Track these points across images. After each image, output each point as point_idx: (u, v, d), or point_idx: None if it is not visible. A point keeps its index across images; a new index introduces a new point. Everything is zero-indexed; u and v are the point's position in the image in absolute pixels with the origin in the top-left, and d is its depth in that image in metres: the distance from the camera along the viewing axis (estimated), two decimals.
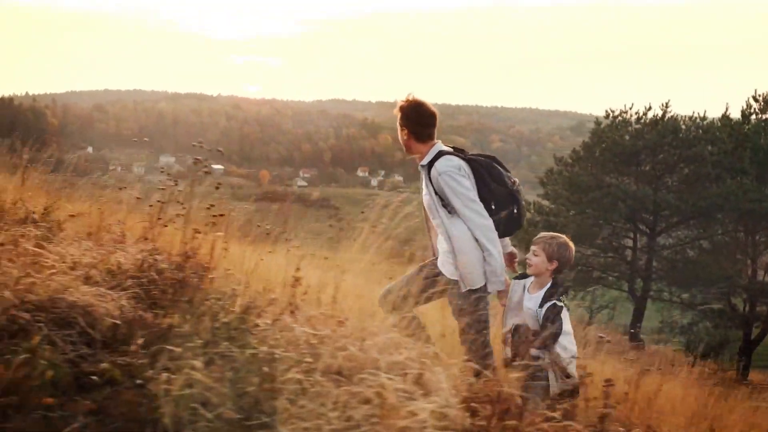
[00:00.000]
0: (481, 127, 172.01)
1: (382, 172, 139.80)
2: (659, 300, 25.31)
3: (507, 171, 4.55)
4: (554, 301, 4.29)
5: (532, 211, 24.05)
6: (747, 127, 24.75)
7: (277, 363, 2.72)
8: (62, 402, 2.66)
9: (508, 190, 4.47)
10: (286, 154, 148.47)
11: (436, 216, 4.45)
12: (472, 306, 4.33)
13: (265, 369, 2.71)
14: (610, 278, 25.71)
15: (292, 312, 3.30)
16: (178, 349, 2.68)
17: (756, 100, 24.73)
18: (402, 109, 4.53)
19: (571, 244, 4.42)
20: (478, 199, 4.32)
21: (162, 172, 4.83)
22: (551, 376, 4.24)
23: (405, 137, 4.53)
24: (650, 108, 25.48)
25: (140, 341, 2.75)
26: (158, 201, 4.39)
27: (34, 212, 5.15)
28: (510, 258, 4.65)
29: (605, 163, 25.18)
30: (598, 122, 26.33)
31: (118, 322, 3.24)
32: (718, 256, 23.89)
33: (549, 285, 4.37)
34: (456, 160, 4.41)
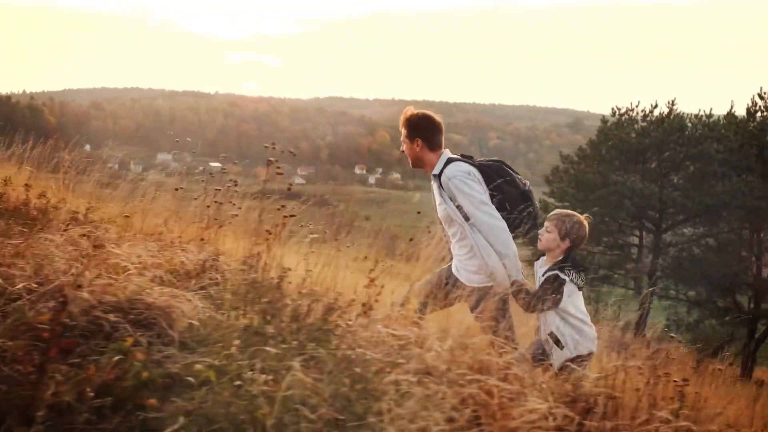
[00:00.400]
0: (478, 124, 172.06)
1: (380, 170, 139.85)
2: (665, 298, 25.34)
3: (516, 173, 4.57)
4: (556, 271, 4.24)
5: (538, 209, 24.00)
6: (752, 124, 24.80)
7: (369, 364, 2.74)
8: (158, 403, 2.68)
9: (520, 190, 4.48)
10: (283, 151, 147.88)
11: (454, 224, 4.46)
12: (498, 305, 4.28)
13: (357, 370, 2.73)
14: (616, 276, 25.73)
15: (366, 313, 3.32)
16: (274, 350, 2.69)
17: (762, 98, 24.77)
18: (411, 120, 4.54)
19: (586, 223, 4.37)
20: (489, 202, 4.32)
21: (224, 171, 4.82)
22: (549, 350, 4.19)
23: (418, 148, 4.52)
24: (656, 106, 25.55)
25: (236, 342, 2.75)
26: (215, 201, 4.39)
27: (77, 212, 5.16)
28: None
29: (611, 161, 25.21)
30: (604, 120, 26.37)
31: (195, 322, 3.25)
32: (723, 253, 23.94)
33: (560, 259, 4.31)
34: (465, 165, 4.43)
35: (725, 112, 25.67)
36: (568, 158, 26.35)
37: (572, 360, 4.05)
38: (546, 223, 4.39)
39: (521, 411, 2.26)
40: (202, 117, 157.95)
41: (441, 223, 4.63)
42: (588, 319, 4.22)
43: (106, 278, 3.50)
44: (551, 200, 25.30)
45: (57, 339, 2.78)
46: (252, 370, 2.61)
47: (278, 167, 3.71)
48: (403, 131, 4.56)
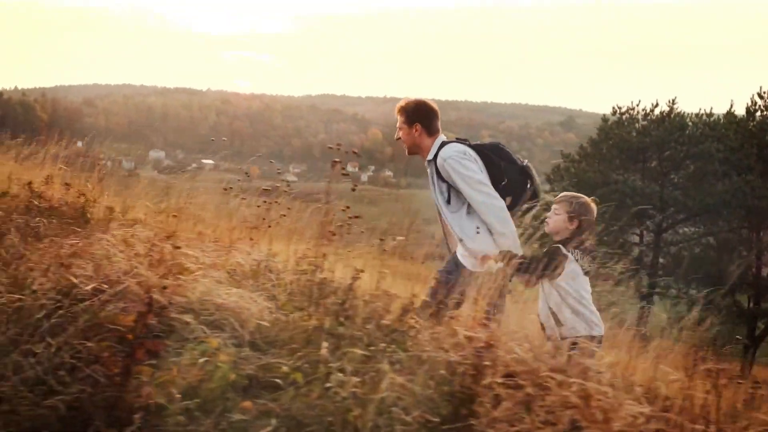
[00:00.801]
0: (470, 122, 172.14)
1: (372, 168, 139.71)
2: (665, 296, 25.41)
3: (513, 153, 4.56)
4: (559, 245, 4.18)
5: (538, 206, 24.03)
6: (752, 123, 24.93)
7: (452, 366, 2.74)
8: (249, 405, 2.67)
9: (519, 166, 4.47)
10: (275, 149, 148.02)
11: (449, 211, 4.44)
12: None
13: (443, 372, 2.73)
14: (616, 274, 25.73)
15: (433, 314, 3.33)
16: (361, 352, 2.69)
17: (761, 97, 24.90)
18: (408, 107, 4.54)
19: (593, 206, 4.32)
20: (486, 182, 4.31)
21: (278, 173, 4.81)
22: (550, 328, 4.15)
23: (417, 134, 4.51)
24: (657, 105, 25.65)
25: (326, 344, 2.75)
26: (265, 201, 4.39)
27: (114, 210, 5.15)
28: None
29: (612, 160, 25.29)
30: (605, 119, 26.44)
31: (265, 323, 3.25)
32: (723, 252, 24.04)
33: (565, 237, 4.23)
34: (460, 146, 4.42)
35: (725, 112, 25.80)
36: (569, 157, 26.42)
37: (574, 343, 4.02)
38: (553, 206, 4.33)
39: (622, 414, 2.26)
40: (194, 114, 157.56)
41: (439, 214, 4.60)
42: (590, 304, 4.17)
43: (173, 279, 3.49)
44: (551, 198, 25.30)
45: (142, 341, 2.78)
46: (341, 372, 2.61)
47: (342, 168, 3.70)
48: (401, 118, 4.55)
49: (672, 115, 25.37)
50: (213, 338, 2.86)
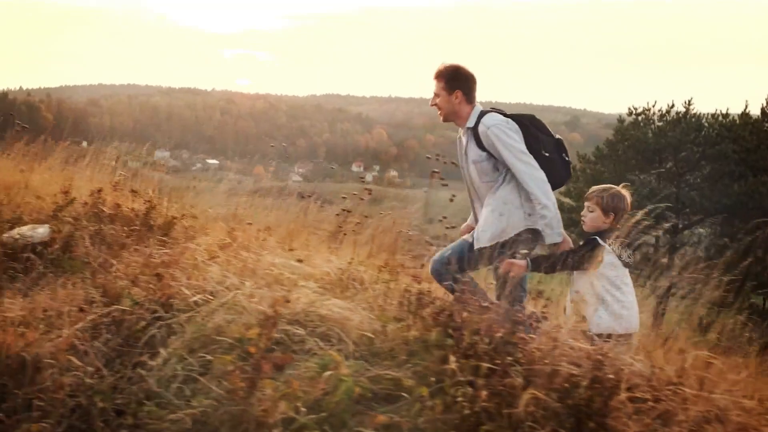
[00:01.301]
0: None
1: (377, 167, 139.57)
2: (682, 297, 25.34)
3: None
4: (596, 237, 4.17)
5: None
6: (767, 124, 24.89)
7: (572, 379, 2.74)
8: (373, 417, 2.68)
9: (554, 139, 4.47)
10: (280, 149, 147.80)
11: (487, 184, 4.38)
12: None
13: (566, 385, 2.73)
14: (633, 274, 25.71)
15: (533, 325, 3.33)
16: (487, 365, 2.69)
17: None
18: (449, 72, 4.44)
19: (625, 193, 4.29)
20: (528, 152, 4.26)
21: (371, 182, 4.80)
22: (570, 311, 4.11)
23: (457, 100, 4.42)
24: (673, 106, 25.60)
25: (453, 358, 2.75)
26: (343, 210, 4.39)
27: (175, 218, 5.13)
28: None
29: (627, 161, 25.25)
30: (621, 120, 26.40)
31: (370, 334, 3.25)
32: (738, 253, 23.96)
33: (603, 229, 4.22)
34: (501, 116, 4.38)
35: (740, 112, 25.76)
36: (585, 158, 26.39)
37: (598, 336, 3.86)
38: (586, 203, 4.31)
39: None
40: (199, 114, 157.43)
41: (467, 185, 4.55)
42: (625, 299, 4.12)
43: (269, 289, 3.50)
44: (567, 200, 25.28)
45: (267, 354, 2.78)
46: (471, 386, 2.61)
47: (442, 177, 3.69)
48: (440, 83, 4.44)
49: (688, 116, 25.32)
50: (332, 351, 2.86)
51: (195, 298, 3.31)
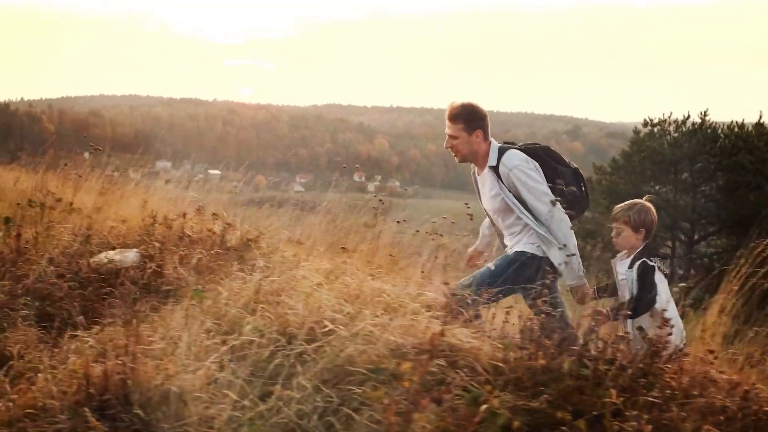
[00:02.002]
0: None
1: (379, 177, 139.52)
2: (698, 308, 25.35)
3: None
4: (644, 258, 4.16)
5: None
6: None
7: (730, 411, 2.74)
8: None
9: (572, 169, 4.46)
10: (282, 159, 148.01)
11: (509, 215, 4.36)
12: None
13: (721, 418, 2.72)
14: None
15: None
16: (651, 399, 2.68)
17: None
18: (466, 113, 4.37)
19: (649, 205, 4.29)
20: (549, 191, 4.25)
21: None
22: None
23: (477, 140, 4.37)
24: (689, 117, 25.67)
25: (614, 391, 2.74)
26: (437, 233, 4.38)
27: (250, 239, 5.12)
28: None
29: (643, 172, 25.31)
30: (636, 131, 26.49)
31: (500, 364, 3.24)
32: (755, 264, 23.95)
33: (639, 248, 4.23)
34: (521, 154, 4.34)
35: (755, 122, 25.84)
36: (601, 169, 26.46)
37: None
38: (614, 225, 4.31)
39: None
40: (200, 125, 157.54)
41: (490, 216, 4.57)
42: (673, 310, 4.09)
43: (390, 317, 3.48)
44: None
45: (428, 388, 2.77)
46: (636, 421, 2.60)
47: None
48: (456, 125, 4.36)
49: (704, 127, 25.40)
50: (474, 383, 2.85)
51: (328, 327, 3.29)
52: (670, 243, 26.29)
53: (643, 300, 4.09)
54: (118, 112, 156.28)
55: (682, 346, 4.07)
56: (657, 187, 25.22)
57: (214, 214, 5.07)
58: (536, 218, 4.30)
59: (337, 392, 3.00)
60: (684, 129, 25.62)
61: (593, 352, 3.07)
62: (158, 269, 4.49)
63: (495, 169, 4.35)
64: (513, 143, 4.51)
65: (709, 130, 25.27)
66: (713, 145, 24.84)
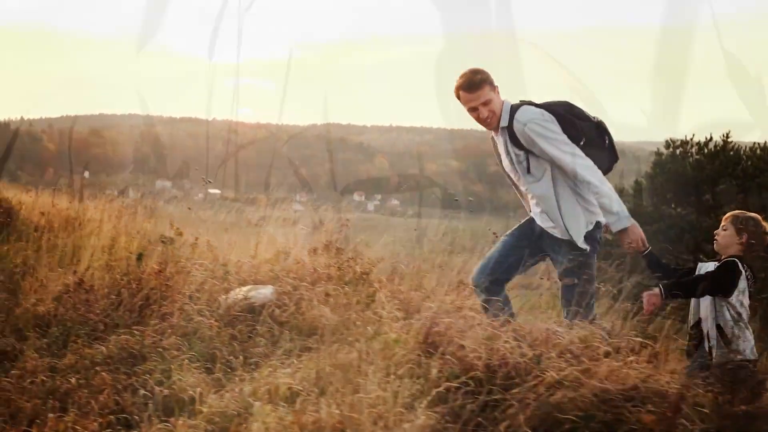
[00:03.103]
0: (477, 150, 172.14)
1: (378, 197, 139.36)
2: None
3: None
4: (735, 260, 4.14)
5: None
6: None
7: None
8: None
9: (593, 123, 4.31)
10: (282, 179, 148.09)
11: (522, 181, 4.30)
12: (579, 264, 4.16)
13: None
14: (670, 307, 25.65)
15: None
16: None
17: None
18: (484, 74, 4.22)
19: (764, 222, 4.26)
20: (570, 141, 4.11)
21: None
22: (711, 344, 4.11)
23: (500, 101, 4.22)
24: (711, 139, 25.61)
25: None
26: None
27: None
28: None
29: (665, 194, 25.24)
30: (659, 153, 26.42)
31: (705, 410, 3.19)
32: None
33: (734, 254, 4.21)
34: (535, 108, 4.19)
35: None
36: (623, 192, 26.39)
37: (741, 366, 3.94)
38: (722, 223, 4.33)
39: None
40: (200, 144, 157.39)
41: (510, 177, 4.43)
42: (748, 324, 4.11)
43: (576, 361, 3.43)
44: (605, 234, 25.24)
45: None
46: None
47: None
48: (481, 90, 4.18)
49: (726, 149, 25.36)
50: None
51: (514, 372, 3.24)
52: (692, 265, 26.16)
53: (703, 283, 4.12)
54: (119, 131, 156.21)
55: (752, 358, 4.09)
56: (678, 209, 25.13)
57: (338, 248, 5.03)
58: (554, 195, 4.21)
59: None
60: (706, 151, 25.59)
61: None
62: (298, 306, 4.44)
63: (508, 129, 4.18)
64: (530, 101, 4.30)
65: (731, 153, 25.23)
66: (735, 167, 24.79)
